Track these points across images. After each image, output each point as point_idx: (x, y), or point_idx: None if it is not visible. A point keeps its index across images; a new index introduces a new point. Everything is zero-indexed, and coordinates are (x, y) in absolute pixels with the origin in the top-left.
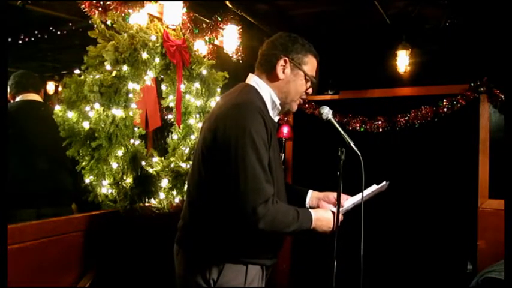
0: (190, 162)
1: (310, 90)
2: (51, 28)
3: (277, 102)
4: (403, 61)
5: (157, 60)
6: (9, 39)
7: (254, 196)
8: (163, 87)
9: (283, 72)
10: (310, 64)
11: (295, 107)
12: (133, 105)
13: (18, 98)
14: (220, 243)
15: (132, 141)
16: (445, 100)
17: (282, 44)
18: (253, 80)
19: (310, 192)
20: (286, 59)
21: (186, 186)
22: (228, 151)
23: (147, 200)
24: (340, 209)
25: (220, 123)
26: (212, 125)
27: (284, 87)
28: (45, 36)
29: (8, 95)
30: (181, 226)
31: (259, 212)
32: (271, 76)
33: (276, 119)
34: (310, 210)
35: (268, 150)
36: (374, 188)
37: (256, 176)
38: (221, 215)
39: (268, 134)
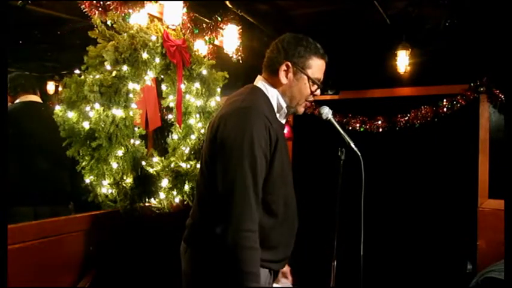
0: (191, 162)
1: (318, 92)
2: (51, 28)
3: (284, 105)
4: (403, 61)
5: (157, 60)
6: (9, 39)
7: (238, 206)
8: (164, 87)
9: (286, 77)
10: (315, 66)
11: (301, 110)
12: (134, 105)
13: (18, 100)
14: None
15: (132, 141)
16: (445, 100)
17: (285, 48)
18: (260, 82)
19: None
20: (289, 63)
21: (190, 185)
22: (224, 154)
23: (147, 200)
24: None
25: (222, 124)
26: (215, 125)
27: (288, 91)
28: (45, 36)
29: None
30: (190, 224)
31: (237, 223)
32: (275, 80)
33: (283, 121)
34: None
35: (267, 158)
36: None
37: (246, 185)
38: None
39: (273, 141)
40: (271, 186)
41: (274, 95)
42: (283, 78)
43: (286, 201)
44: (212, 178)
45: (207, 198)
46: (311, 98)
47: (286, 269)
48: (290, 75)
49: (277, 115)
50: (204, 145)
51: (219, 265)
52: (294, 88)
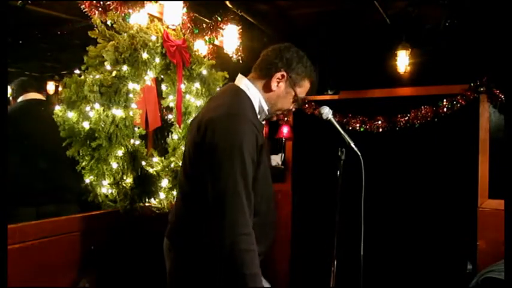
0: None
1: (294, 109)
2: (51, 28)
3: (265, 108)
4: (403, 61)
5: (157, 60)
6: (9, 39)
7: (232, 213)
8: (163, 87)
9: (277, 85)
10: (304, 88)
11: (274, 118)
12: (134, 105)
13: (19, 99)
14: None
15: (132, 141)
16: (445, 100)
17: (288, 59)
18: (243, 83)
19: None
20: (285, 74)
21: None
22: (215, 162)
23: (147, 200)
24: None
25: (210, 129)
26: (202, 128)
27: (273, 99)
28: (45, 36)
29: (11, 101)
30: (173, 221)
31: (234, 232)
32: (264, 84)
33: (262, 122)
34: None
35: (256, 163)
36: None
37: (238, 192)
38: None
39: (259, 146)
40: (256, 187)
41: (256, 97)
42: (273, 85)
43: (268, 200)
44: (197, 179)
45: (193, 197)
46: (285, 112)
47: None
48: (282, 84)
49: (258, 116)
50: (187, 144)
51: (208, 266)
52: (279, 98)
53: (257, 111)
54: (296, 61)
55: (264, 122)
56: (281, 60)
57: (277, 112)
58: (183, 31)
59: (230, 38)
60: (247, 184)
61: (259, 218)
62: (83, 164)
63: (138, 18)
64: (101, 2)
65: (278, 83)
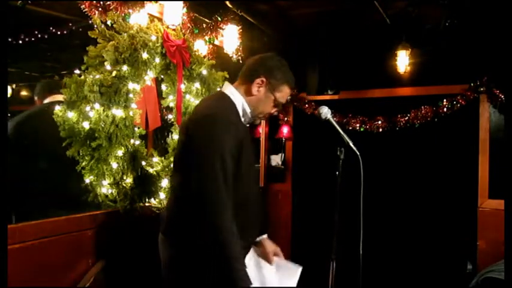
0: None
1: (275, 113)
2: (51, 28)
3: (248, 110)
4: (403, 61)
5: (157, 60)
6: (9, 39)
7: (215, 206)
8: (163, 87)
9: (258, 90)
10: (284, 93)
11: (257, 122)
12: (134, 105)
13: (46, 100)
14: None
15: (132, 141)
16: (445, 100)
17: (269, 66)
18: (228, 89)
19: (265, 236)
20: (264, 80)
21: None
22: (198, 160)
23: (147, 200)
24: None
25: (193, 129)
26: (187, 128)
27: (254, 102)
28: (45, 36)
29: (37, 101)
30: (166, 217)
31: (217, 224)
32: (247, 89)
33: (247, 124)
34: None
35: (236, 160)
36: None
37: (220, 188)
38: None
39: (238, 145)
40: (239, 185)
41: (239, 102)
42: (254, 89)
43: (253, 197)
44: (187, 177)
45: (183, 196)
46: (266, 116)
47: (277, 248)
48: (262, 89)
49: (242, 119)
50: (177, 145)
51: (200, 258)
52: (260, 102)
53: (241, 114)
54: (276, 68)
55: (248, 125)
56: (262, 67)
57: (259, 115)
58: (183, 31)
59: (230, 38)
60: (226, 180)
61: (243, 213)
62: (83, 164)
63: (138, 18)
64: (101, 2)
65: (258, 87)
